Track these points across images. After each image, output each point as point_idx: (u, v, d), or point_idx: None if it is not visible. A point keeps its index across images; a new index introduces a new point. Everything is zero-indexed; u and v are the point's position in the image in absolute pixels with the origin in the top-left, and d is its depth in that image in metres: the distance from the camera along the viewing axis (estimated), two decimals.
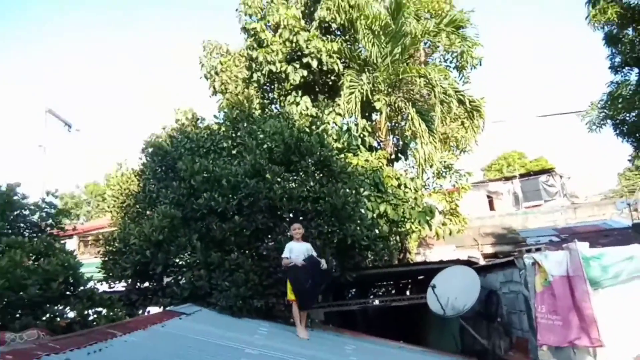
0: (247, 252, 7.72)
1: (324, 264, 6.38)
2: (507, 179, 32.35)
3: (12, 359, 2.25)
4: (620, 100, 11.06)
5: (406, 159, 15.50)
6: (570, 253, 6.49)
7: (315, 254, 6.63)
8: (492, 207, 28.39)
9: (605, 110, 11.46)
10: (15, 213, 8.17)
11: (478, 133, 14.48)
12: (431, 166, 13.59)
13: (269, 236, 7.97)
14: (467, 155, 16.63)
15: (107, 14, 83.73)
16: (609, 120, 11.47)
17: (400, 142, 15.26)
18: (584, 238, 8.88)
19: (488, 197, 29.07)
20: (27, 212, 8.44)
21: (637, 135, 11.19)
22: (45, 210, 8.59)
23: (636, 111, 10.85)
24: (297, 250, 6.46)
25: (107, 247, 7.95)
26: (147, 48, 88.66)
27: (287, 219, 8.00)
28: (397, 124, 15.21)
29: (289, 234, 7.07)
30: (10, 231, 7.84)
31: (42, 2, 73.64)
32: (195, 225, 7.86)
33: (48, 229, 8.50)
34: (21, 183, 8.43)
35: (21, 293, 5.60)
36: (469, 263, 9.97)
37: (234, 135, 9.81)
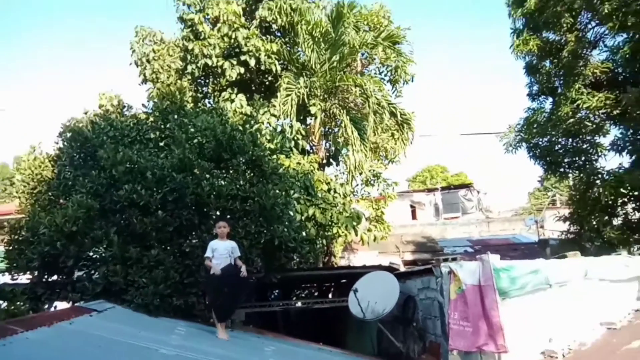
0: (169, 248, 7.43)
1: (244, 271, 6.25)
2: (429, 190, 33.98)
3: None
4: (535, 125, 11.93)
5: (337, 164, 15.74)
6: (483, 264, 6.89)
7: (239, 254, 6.52)
8: (414, 217, 29.60)
9: (521, 134, 12.29)
10: None
11: (407, 145, 15.04)
12: (361, 173, 13.90)
13: (194, 233, 7.73)
14: (395, 165, 17.23)
15: None
16: (524, 143, 12.31)
17: (333, 148, 15.48)
18: (495, 250, 9.51)
19: (411, 206, 30.28)
20: None
21: (547, 158, 12.10)
22: None
23: (548, 137, 11.74)
24: (220, 249, 6.31)
25: (13, 235, 7.30)
26: (78, 26, 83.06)
27: (214, 217, 7.81)
28: (330, 130, 15.41)
29: (214, 231, 6.90)
30: None
31: None
32: (113, 218, 7.44)
33: None
34: None
35: None
36: (390, 269, 10.31)
37: (162, 126, 9.42)
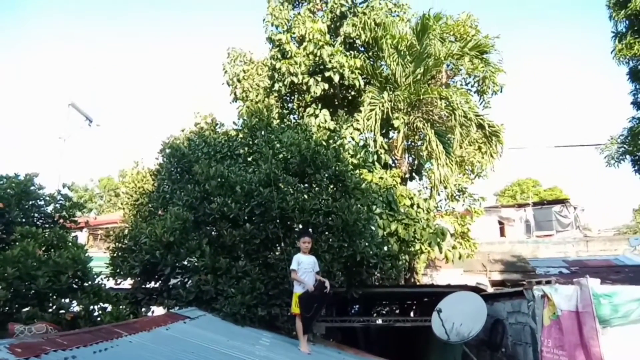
0: (255, 260, 7.72)
1: (327, 285, 6.33)
2: (520, 205, 32.03)
3: (21, 352, 2.28)
4: None
5: (420, 179, 15.43)
6: (581, 288, 6.40)
7: (318, 269, 6.61)
8: (502, 234, 28.05)
9: (624, 146, 11.31)
10: (30, 203, 8.30)
11: (496, 159, 14.38)
12: (445, 187, 13.51)
13: (278, 246, 7.97)
14: (482, 179, 16.53)
15: (135, 13, 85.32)
16: (627, 156, 11.31)
17: (416, 162, 15.21)
18: (594, 272, 8.77)
19: (499, 223, 28.75)
20: (42, 203, 8.58)
21: None
22: (60, 202, 8.72)
23: None
24: (305, 263, 6.44)
25: (117, 243, 7.98)
26: (174, 50, 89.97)
27: (298, 231, 8.00)
28: (413, 144, 15.17)
29: (298, 245, 7.06)
30: (24, 220, 7.96)
31: None
32: (206, 230, 7.90)
33: (61, 220, 8.62)
34: (39, 173, 8.60)
35: (30, 283, 5.66)
36: (476, 290, 9.86)
37: (251, 142, 9.87)
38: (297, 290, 6.37)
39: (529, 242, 24.81)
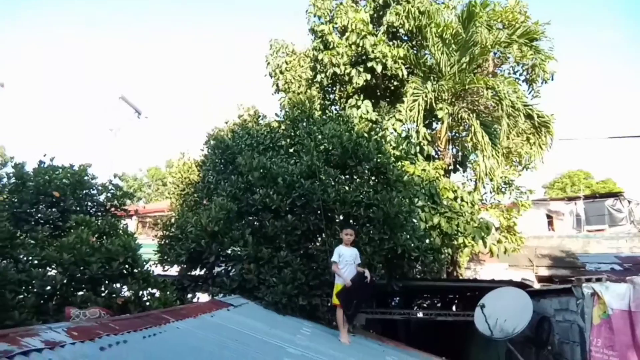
0: (296, 250, 7.82)
1: (367, 274, 6.33)
2: (570, 199, 30.69)
3: (77, 335, 2.42)
4: None
5: (464, 171, 15.11)
6: (634, 287, 6.12)
7: (359, 261, 6.62)
8: (551, 227, 27.08)
9: None
10: (84, 192, 8.73)
11: (545, 150, 13.84)
12: (491, 180, 13.17)
13: (319, 237, 8.03)
14: (530, 171, 15.99)
15: (182, 6, 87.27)
16: None
17: (460, 154, 14.89)
18: None
19: (548, 216, 27.75)
20: (94, 192, 9.00)
21: None
22: (112, 191, 9.13)
23: None
24: (346, 255, 6.47)
25: (165, 231, 8.30)
26: (218, 43, 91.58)
27: (339, 222, 8.03)
28: (457, 135, 14.85)
29: (339, 237, 7.09)
30: (78, 209, 8.39)
31: None
32: (248, 220, 8.06)
33: (112, 209, 9.03)
34: (92, 164, 9.02)
35: (84, 269, 5.98)
36: (522, 285, 9.59)
37: (292, 134, 9.95)
38: (338, 281, 6.41)
39: (579, 237, 23.78)
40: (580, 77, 75.23)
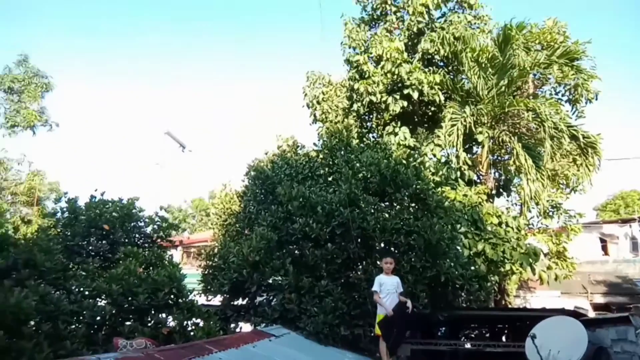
0: (337, 279, 7.77)
1: (409, 303, 6.20)
2: (624, 221, 29.07)
3: None
4: None
5: (508, 195, 14.70)
6: None
7: (402, 289, 6.50)
8: (605, 252, 25.68)
9: None
10: (132, 224, 9.10)
11: (593, 171, 13.30)
12: (537, 204, 12.73)
13: (360, 266, 7.97)
14: (579, 194, 15.34)
15: (223, 45, 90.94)
16: None
17: (503, 178, 14.51)
18: None
19: (601, 240, 26.36)
20: (142, 224, 9.36)
21: None
22: (158, 223, 9.47)
23: None
24: (387, 284, 6.38)
25: (208, 261, 8.46)
26: (257, 77, 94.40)
27: (379, 250, 7.95)
28: (499, 158, 14.52)
29: (379, 265, 7.01)
30: (127, 240, 8.73)
31: (165, 31, 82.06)
32: (289, 249, 8.11)
33: (158, 240, 9.33)
34: (139, 197, 9.41)
35: (132, 299, 6.17)
36: (575, 314, 9.09)
37: (331, 163, 10.04)
38: (380, 311, 6.32)
39: (636, 262, 22.43)
40: (629, 92, 72.34)
